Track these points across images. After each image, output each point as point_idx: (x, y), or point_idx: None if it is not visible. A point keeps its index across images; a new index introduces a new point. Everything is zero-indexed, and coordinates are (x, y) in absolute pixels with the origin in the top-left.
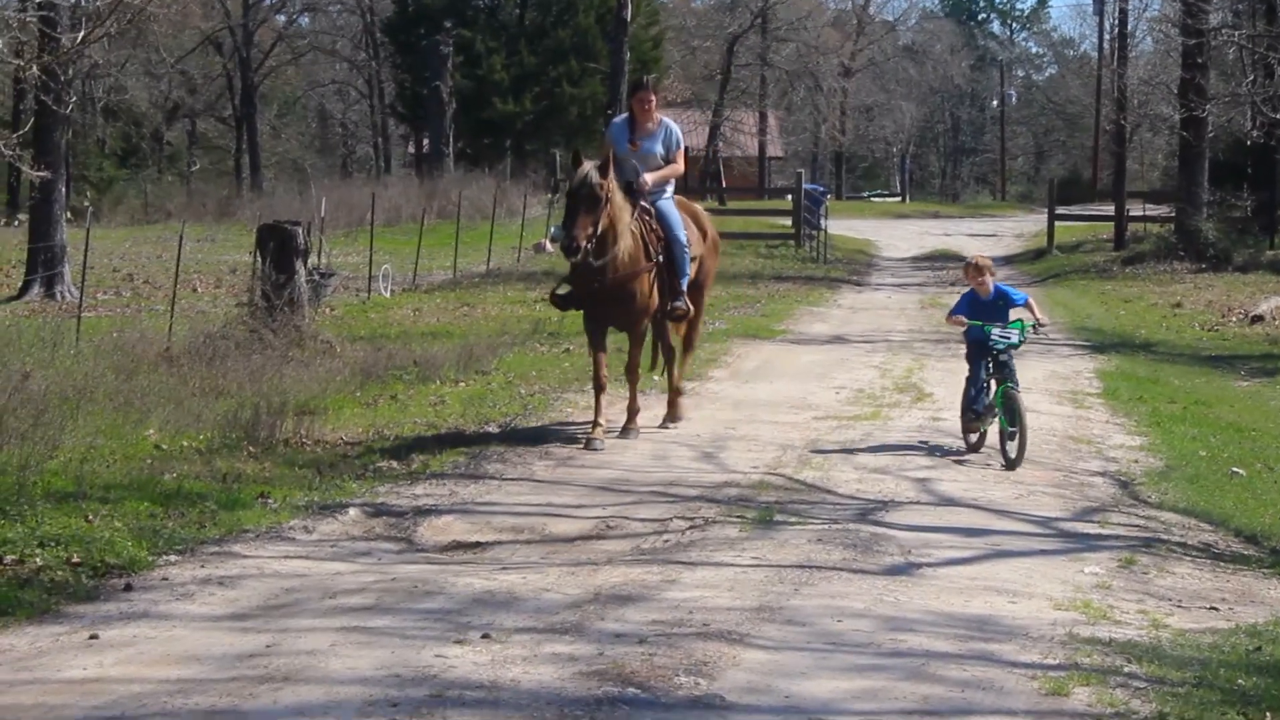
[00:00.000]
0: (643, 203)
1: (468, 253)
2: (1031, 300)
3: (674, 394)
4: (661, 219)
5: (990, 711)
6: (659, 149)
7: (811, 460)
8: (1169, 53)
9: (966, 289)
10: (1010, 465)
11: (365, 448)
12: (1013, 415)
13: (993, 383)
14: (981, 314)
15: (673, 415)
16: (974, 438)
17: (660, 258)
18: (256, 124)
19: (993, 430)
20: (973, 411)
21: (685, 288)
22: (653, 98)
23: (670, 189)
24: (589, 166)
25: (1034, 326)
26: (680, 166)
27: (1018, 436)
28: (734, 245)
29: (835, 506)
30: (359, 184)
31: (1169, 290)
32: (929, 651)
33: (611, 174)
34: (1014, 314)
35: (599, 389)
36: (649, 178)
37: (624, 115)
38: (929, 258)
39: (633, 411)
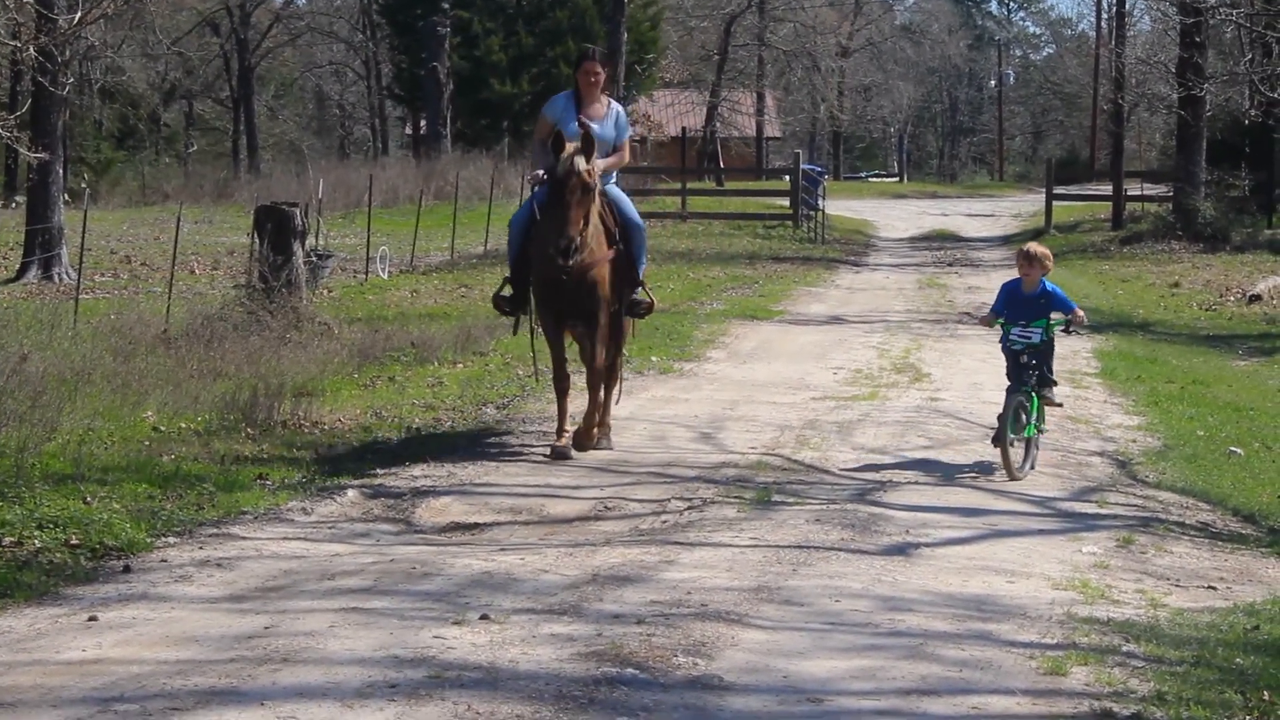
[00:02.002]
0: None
1: (465, 234)
2: (1080, 312)
3: (605, 414)
4: (614, 203)
5: (988, 691)
6: (608, 134)
7: (809, 440)
8: (1167, 32)
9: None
10: (1014, 478)
11: (363, 429)
12: (1021, 425)
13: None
14: (1018, 311)
15: (604, 434)
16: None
17: (620, 245)
18: (254, 105)
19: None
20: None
21: (643, 276)
22: (600, 71)
23: (613, 178)
24: (573, 150)
25: (1066, 325)
26: (627, 155)
27: (1020, 445)
28: (731, 226)
29: (833, 486)
30: (356, 165)
31: (1167, 270)
32: (927, 631)
33: (595, 157)
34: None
35: (563, 391)
36: (600, 163)
37: (567, 92)
38: (927, 238)
39: (600, 422)
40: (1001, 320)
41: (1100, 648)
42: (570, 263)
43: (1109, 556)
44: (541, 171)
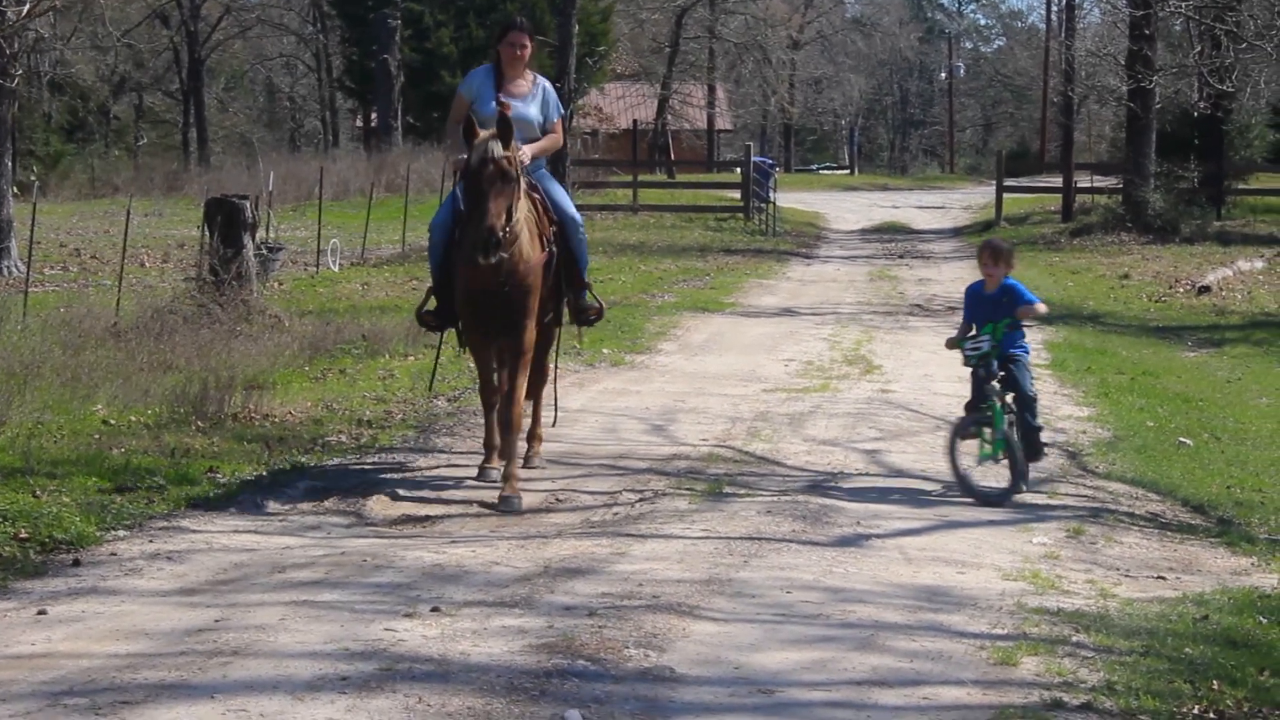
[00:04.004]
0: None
1: (416, 226)
2: (1041, 306)
3: (536, 423)
4: (549, 196)
5: (939, 681)
6: (534, 113)
7: (761, 432)
8: (1116, 24)
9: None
10: (997, 499)
11: (314, 421)
12: (998, 439)
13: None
14: (983, 315)
15: (520, 464)
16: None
17: (554, 246)
18: (204, 98)
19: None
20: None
21: (587, 277)
22: (528, 43)
23: (543, 165)
24: (488, 135)
25: (1011, 323)
26: (560, 138)
27: (1012, 466)
28: (683, 218)
29: (785, 478)
30: (307, 158)
31: (1117, 261)
32: (878, 622)
33: (515, 143)
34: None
35: (492, 404)
36: (527, 149)
37: (485, 66)
38: (878, 230)
39: (515, 466)
40: (954, 337)
41: (1050, 638)
42: (493, 259)
43: (1059, 547)
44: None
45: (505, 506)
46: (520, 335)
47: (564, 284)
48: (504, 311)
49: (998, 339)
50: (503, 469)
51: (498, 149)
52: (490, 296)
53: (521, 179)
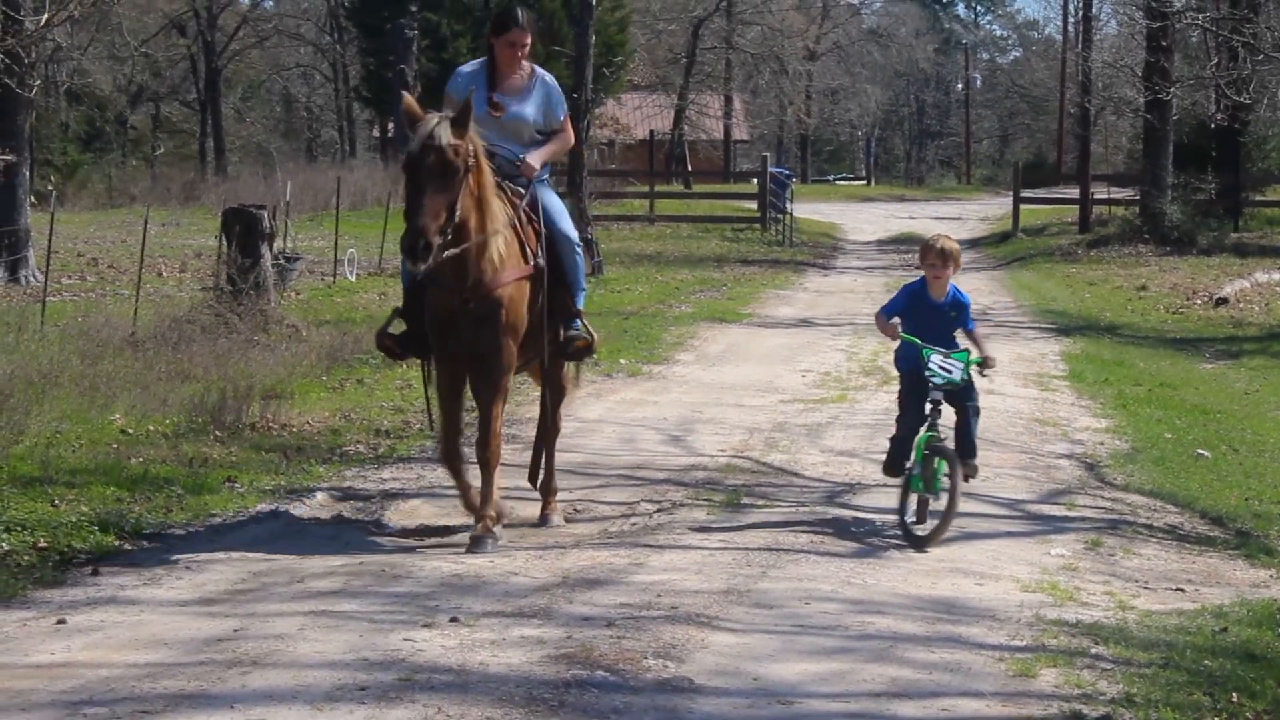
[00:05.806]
0: (507, 182)
1: None
2: (978, 331)
3: (550, 476)
4: (540, 207)
5: (958, 693)
6: (531, 113)
7: (778, 443)
8: (1133, 35)
9: (913, 279)
10: (917, 542)
11: (332, 431)
12: (932, 478)
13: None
14: (923, 323)
15: (547, 514)
16: (912, 509)
17: (541, 261)
18: (221, 108)
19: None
20: (899, 469)
21: (581, 305)
22: (528, 40)
23: (546, 174)
24: (435, 120)
25: (979, 364)
26: (570, 137)
27: (943, 513)
28: (699, 229)
29: (803, 489)
30: (324, 168)
31: (1134, 273)
32: (897, 634)
33: (473, 130)
34: (961, 340)
35: (455, 460)
36: (535, 159)
37: (478, 61)
38: (894, 241)
39: (491, 508)
40: (915, 339)
41: (1069, 650)
42: (423, 266)
43: (1077, 559)
44: None
45: (475, 548)
46: (496, 361)
47: (551, 310)
48: (472, 334)
49: (967, 375)
50: (491, 526)
51: (444, 134)
52: (456, 318)
53: (480, 171)
